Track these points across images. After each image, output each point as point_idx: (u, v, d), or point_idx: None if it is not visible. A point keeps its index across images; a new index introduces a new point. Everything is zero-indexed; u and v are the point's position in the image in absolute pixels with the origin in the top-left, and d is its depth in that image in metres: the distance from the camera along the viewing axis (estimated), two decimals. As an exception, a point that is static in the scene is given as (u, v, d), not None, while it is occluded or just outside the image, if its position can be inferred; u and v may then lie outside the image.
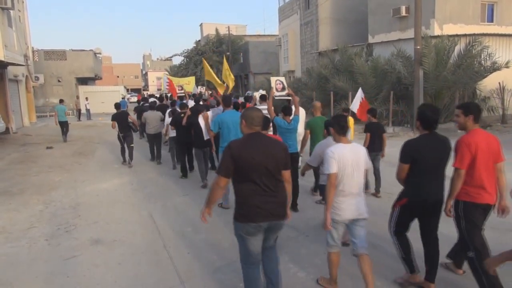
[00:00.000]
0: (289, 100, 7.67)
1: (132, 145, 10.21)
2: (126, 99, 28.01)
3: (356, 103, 8.67)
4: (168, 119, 9.66)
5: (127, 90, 51.59)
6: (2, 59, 15.11)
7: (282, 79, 8.43)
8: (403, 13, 18.02)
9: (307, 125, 6.54)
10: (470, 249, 3.46)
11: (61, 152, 12.71)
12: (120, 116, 9.91)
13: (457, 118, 3.60)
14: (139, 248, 4.92)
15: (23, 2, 22.19)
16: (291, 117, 6.07)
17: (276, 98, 7.36)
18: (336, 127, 3.61)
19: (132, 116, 10.55)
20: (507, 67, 13.54)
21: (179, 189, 7.69)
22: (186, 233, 5.37)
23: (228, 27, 37.82)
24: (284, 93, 7.87)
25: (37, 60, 30.10)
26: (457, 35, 14.84)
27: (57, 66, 31.65)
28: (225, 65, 14.85)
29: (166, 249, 4.85)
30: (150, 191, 7.62)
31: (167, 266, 4.41)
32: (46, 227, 5.75)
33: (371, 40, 20.42)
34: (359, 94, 8.89)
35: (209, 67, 16.39)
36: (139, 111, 14.10)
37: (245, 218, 3.09)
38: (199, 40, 45.58)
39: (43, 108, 30.40)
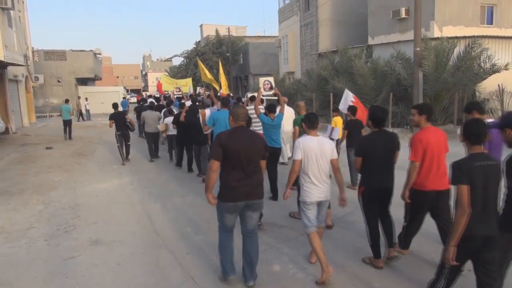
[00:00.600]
0: (277, 99, 8.13)
1: (129, 143, 10.76)
2: (126, 100, 28.03)
3: (344, 104, 8.90)
4: (168, 118, 10.30)
5: (127, 90, 51.53)
6: (2, 59, 15.12)
7: (271, 79, 9.09)
8: (403, 15, 18.06)
9: (294, 123, 7.05)
10: (405, 220, 4.27)
11: (61, 152, 12.71)
12: (117, 116, 10.40)
13: (413, 117, 4.14)
14: (138, 248, 4.92)
15: (23, 2, 22.20)
16: (275, 114, 6.57)
17: (263, 97, 7.75)
18: (307, 122, 4.15)
19: (129, 116, 11.02)
20: (507, 69, 13.56)
21: (178, 189, 7.69)
22: (186, 233, 5.37)
23: (228, 28, 37.86)
24: (271, 92, 8.51)
25: (37, 60, 30.07)
26: (456, 37, 14.87)
27: (57, 66, 31.62)
28: (220, 69, 15.43)
29: (166, 250, 4.85)
30: (150, 192, 7.62)
31: (166, 266, 4.41)
32: (46, 227, 5.75)
33: (370, 41, 20.45)
34: (348, 95, 9.00)
35: (204, 68, 17.09)
36: (139, 111, 14.61)
37: (226, 198, 3.68)
38: (199, 41, 45.64)
39: (42, 109, 30.37)
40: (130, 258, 4.65)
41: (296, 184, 4.68)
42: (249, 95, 12.27)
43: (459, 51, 14.28)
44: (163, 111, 11.45)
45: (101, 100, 30.36)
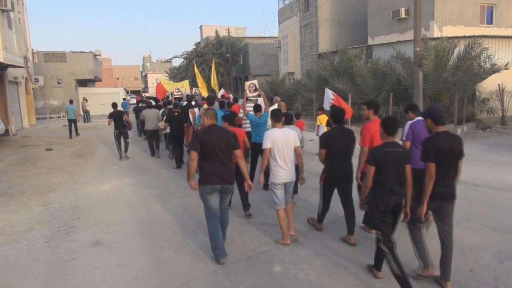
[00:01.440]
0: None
1: (128, 139, 11.42)
2: (127, 101, 28.15)
3: (327, 102, 9.17)
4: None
5: (127, 92, 51.60)
6: (2, 61, 15.13)
7: (255, 81, 10.23)
8: (403, 15, 18.04)
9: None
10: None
11: (61, 154, 12.70)
12: (116, 115, 11.07)
13: (363, 111, 5.09)
14: (138, 250, 4.91)
15: (23, 4, 22.20)
16: (261, 113, 7.38)
17: (249, 98, 9.16)
18: (273, 117, 5.04)
19: (127, 116, 11.52)
20: (507, 68, 13.55)
21: (179, 190, 7.68)
22: (186, 234, 5.36)
23: (228, 29, 37.84)
24: (256, 93, 9.63)
25: (37, 62, 30.09)
26: (456, 37, 14.86)
27: (57, 68, 31.63)
28: (213, 70, 16.01)
29: (166, 251, 4.84)
30: (150, 193, 7.61)
31: (166, 268, 4.40)
32: (46, 229, 5.74)
33: (370, 42, 20.44)
34: (328, 94, 9.21)
35: (198, 73, 18.60)
36: (137, 111, 15.30)
37: (205, 182, 4.44)
38: (199, 42, 45.60)
39: (42, 110, 30.38)
40: (130, 259, 4.64)
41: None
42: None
43: (459, 51, 14.27)
44: (162, 110, 12.19)
45: (101, 101, 30.37)
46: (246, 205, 6.09)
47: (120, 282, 4.11)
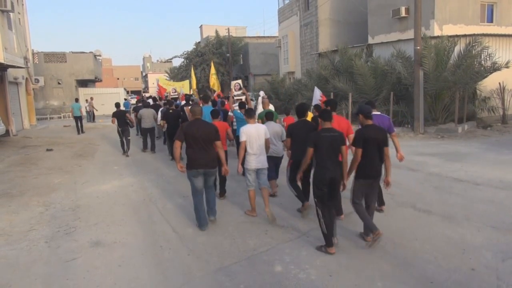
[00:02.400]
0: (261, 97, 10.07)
1: (129, 137, 12.13)
2: (128, 101, 28.31)
3: (315, 101, 9.54)
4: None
5: (127, 92, 51.58)
6: (2, 61, 15.13)
7: (239, 81, 11.29)
8: (403, 14, 18.03)
9: (258, 116, 8.06)
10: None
11: (61, 154, 12.70)
12: (119, 114, 11.88)
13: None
14: (139, 250, 4.90)
15: (22, 4, 22.21)
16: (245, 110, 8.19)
17: (234, 96, 10.28)
18: (246, 114, 6.00)
19: (129, 115, 12.42)
20: (507, 67, 13.53)
21: (179, 190, 7.67)
22: (187, 234, 5.35)
23: (228, 29, 37.82)
24: (240, 92, 10.70)
25: (37, 62, 30.09)
26: (457, 36, 14.84)
27: (57, 68, 31.64)
28: (212, 69, 16.59)
29: (167, 251, 4.83)
30: (151, 193, 7.60)
31: (167, 268, 4.39)
32: (46, 229, 5.73)
33: (370, 41, 20.43)
34: (316, 93, 9.66)
35: (194, 77, 19.96)
36: (137, 110, 15.76)
37: (191, 167, 5.32)
38: (199, 42, 45.58)
39: (43, 111, 30.39)
40: (131, 259, 4.63)
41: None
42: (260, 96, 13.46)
43: (460, 50, 14.25)
44: (160, 109, 12.80)
45: (101, 101, 30.30)
46: (222, 191, 6.97)
47: (120, 282, 4.10)
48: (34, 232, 5.64)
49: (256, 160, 5.68)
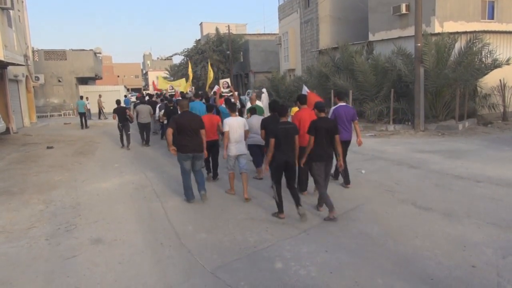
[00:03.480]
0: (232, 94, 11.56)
1: (129, 132, 12.88)
2: (128, 98, 28.50)
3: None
4: (161, 111, 12.58)
5: (128, 89, 51.54)
6: (2, 59, 15.11)
7: (228, 80, 12.75)
8: (404, 10, 17.99)
9: (247, 111, 8.71)
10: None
11: (62, 151, 12.70)
12: (119, 110, 12.73)
13: (295, 103, 7.22)
14: (139, 247, 4.90)
15: (22, 2, 22.15)
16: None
17: (223, 94, 11.56)
18: (228, 108, 7.12)
19: (129, 111, 13.29)
20: (508, 64, 13.50)
21: (179, 188, 7.64)
22: (187, 232, 5.35)
23: (228, 26, 37.77)
24: (228, 89, 11.89)
25: (37, 60, 30.04)
26: (457, 33, 14.79)
27: (57, 66, 31.59)
28: (209, 68, 17.53)
29: (167, 248, 4.83)
30: (151, 190, 7.60)
31: (167, 265, 4.39)
32: (47, 227, 5.73)
33: (371, 38, 20.39)
34: (304, 89, 9.81)
35: (190, 73, 21.10)
36: (135, 106, 16.77)
37: (181, 151, 6.34)
38: (199, 39, 45.55)
39: (43, 108, 30.37)
40: (131, 257, 4.63)
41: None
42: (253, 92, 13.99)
43: (460, 47, 14.22)
44: (158, 105, 13.92)
45: (102, 99, 30.25)
46: (215, 175, 8.15)
47: (121, 279, 4.10)
48: (35, 229, 5.65)
49: (236, 147, 6.70)
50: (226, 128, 6.63)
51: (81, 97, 22.37)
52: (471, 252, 4.34)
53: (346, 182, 7.09)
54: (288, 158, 5.60)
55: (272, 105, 6.79)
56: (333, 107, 7.20)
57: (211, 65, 36.67)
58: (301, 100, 6.84)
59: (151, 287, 3.93)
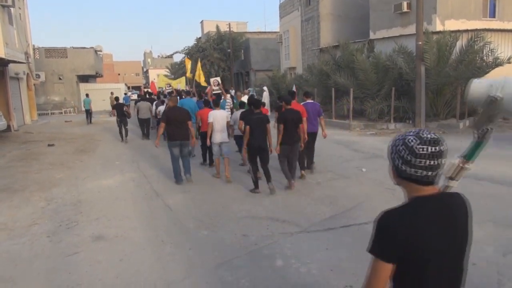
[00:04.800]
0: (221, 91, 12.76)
1: (127, 126, 14.13)
2: (128, 96, 28.57)
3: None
4: (161, 107, 13.15)
5: (128, 87, 51.50)
6: (3, 56, 15.12)
7: (218, 78, 13.84)
8: (405, 8, 17.93)
9: (234, 106, 9.86)
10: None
11: (63, 149, 12.72)
12: (118, 106, 14.10)
13: (281, 103, 7.43)
14: (140, 244, 4.92)
15: (23, -1, 22.15)
16: (221, 101, 10.10)
17: (214, 92, 12.89)
18: (214, 103, 8.52)
19: (127, 108, 14.52)
20: (509, 62, 13.42)
21: (180, 186, 7.68)
22: (188, 229, 5.36)
23: (229, 24, 37.70)
24: (217, 87, 13.31)
25: (38, 57, 30.04)
26: (459, 31, 14.75)
27: (58, 63, 31.59)
28: (198, 65, 18.53)
29: (168, 245, 4.85)
30: (152, 188, 7.61)
31: (168, 262, 4.41)
32: (48, 224, 5.75)
33: (372, 36, 20.34)
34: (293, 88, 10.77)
35: (188, 70, 21.19)
36: (136, 103, 17.80)
37: (170, 139, 7.52)
38: (200, 37, 45.48)
39: (44, 106, 30.39)
40: (132, 253, 4.64)
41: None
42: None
43: (462, 45, 14.17)
44: (155, 102, 15.24)
45: (102, 97, 30.28)
46: (210, 161, 9.03)
47: (122, 276, 4.12)
48: (36, 226, 5.66)
49: (219, 135, 7.71)
50: (210, 119, 7.63)
51: (87, 95, 23.73)
52: (472, 250, 4.32)
53: (308, 167, 8.07)
54: (260, 143, 6.66)
55: (249, 100, 7.78)
56: (302, 103, 8.19)
57: (212, 63, 36.76)
58: (285, 100, 7.55)
59: (152, 284, 3.95)
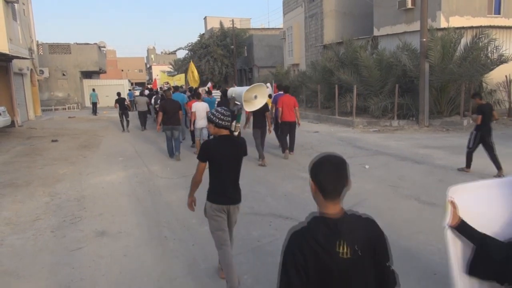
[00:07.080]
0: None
1: (128, 118, 15.82)
2: (132, 92, 28.83)
3: (270, 90, 12.20)
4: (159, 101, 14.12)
5: (131, 83, 51.55)
6: (7, 52, 15.14)
7: (206, 88, 15.89)
8: (409, 5, 17.84)
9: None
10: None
11: (66, 145, 12.76)
12: (120, 100, 15.77)
13: (278, 91, 10.79)
14: (144, 240, 4.94)
15: (27, -5, 22.13)
16: (212, 96, 12.81)
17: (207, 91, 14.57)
18: (195, 96, 10.50)
19: (128, 101, 16.98)
20: (514, 59, 13.39)
21: (183, 181, 7.68)
22: (191, 225, 5.37)
23: (232, 20, 37.61)
24: (207, 87, 16.20)
25: (42, 53, 30.06)
26: (463, 28, 14.67)
27: (61, 59, 31.60)
28: (192, 67, 18.93)
29: (171, 241, 4.87)
30: (155, 184, 7.64)
31: (172, 258, 4.42)
32: (52, 219, 5.78)
33: (376, 33, 20.26)
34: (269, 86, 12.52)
35: (189, 68, 21.09)
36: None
37: (165, 124, 9.57)
38: (203, 34, 45.42)
39: (48, 102, 30.43)
40: (135, 249, 4.67)
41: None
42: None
43: (466, 42, 14.11)
44: (154, 97, 17.28)
45: (106, 93, 30.30)
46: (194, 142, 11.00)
47: (125, 271, 4.14)
48: (40, 221, 5.70)
49: (200, 122, 9.54)
50: (193, 109, 9.67)
51: (93, 90, 26.58)
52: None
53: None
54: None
55: (224, 92, 10.00)
56: (274, 94, 10.48)
57: (215, 59, 36.68)
58: (284, 89, 9.92)
59: (156, 279, 3.97)
